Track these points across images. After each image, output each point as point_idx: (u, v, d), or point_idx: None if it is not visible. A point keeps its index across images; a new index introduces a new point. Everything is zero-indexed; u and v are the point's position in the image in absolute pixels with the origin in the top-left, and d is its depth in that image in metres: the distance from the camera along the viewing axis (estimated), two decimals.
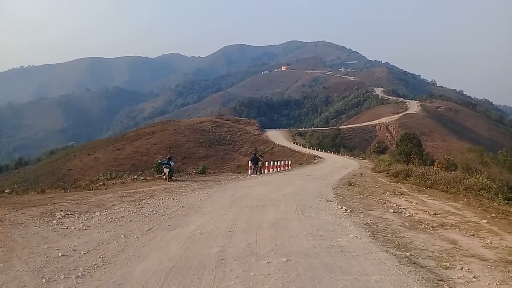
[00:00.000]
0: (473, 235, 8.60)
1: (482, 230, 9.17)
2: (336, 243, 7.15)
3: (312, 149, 70.48)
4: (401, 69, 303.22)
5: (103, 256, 5.93)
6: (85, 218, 8.61)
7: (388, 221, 9.81)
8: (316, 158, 49.26)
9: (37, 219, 8.33)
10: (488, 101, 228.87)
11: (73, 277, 5.03)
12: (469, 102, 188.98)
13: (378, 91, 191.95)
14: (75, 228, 7.65)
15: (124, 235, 7.19)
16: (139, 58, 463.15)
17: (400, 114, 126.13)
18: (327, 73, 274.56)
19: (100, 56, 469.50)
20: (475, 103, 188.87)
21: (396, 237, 8.12)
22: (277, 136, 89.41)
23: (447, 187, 17.06)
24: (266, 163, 28.53)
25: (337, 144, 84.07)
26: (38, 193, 12.97)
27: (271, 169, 28.14)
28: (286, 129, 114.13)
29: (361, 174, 25.40)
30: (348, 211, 10.77)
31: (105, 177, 18.42)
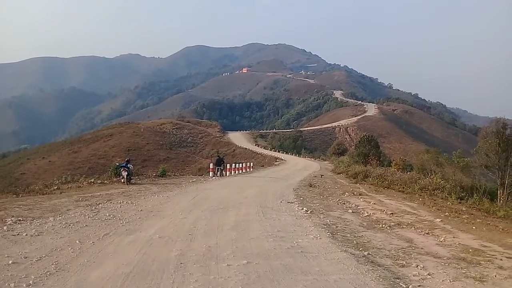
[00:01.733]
0: (428, 233, 8.90)
1: (436, 228, 9.50)
2: (296, 244, 7.19)
3: (273, 151, 71.01)
4: (359, 73, 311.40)
5: (56, 262, 5.69)
6: (38, 224, 8.25)
7: (347, 221, 9.99)
8: (277, 160, 49.64)
9: None
10: (442, 104, 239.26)
11: (24, 285, 4.79)
12: (424, 104, 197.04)
13: (338, 94, 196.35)
14: (26, 235, 7.31)
15: (79, 241, 6.93)
16: (97, 58, 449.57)
17: (359, 117, 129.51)
18: (288, 76, 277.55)
19: (55, 56, 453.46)
20: (429, 106, 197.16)
21: (355, 236, 8.27)
22: (238, 138, 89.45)
23: (404, 187, 17.63)
24: (228, 165, 28.45)
25: (298, 146, 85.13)
26: None
27: (233, 171, 28.10)
28: (247, 131, 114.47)
29: (321, 175, 25.80)
30: (308, 212, 10.89)
31: (60, 181, 17.79)
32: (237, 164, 31.03)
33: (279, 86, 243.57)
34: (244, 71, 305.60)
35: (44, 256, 5.99)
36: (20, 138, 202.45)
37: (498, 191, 17.48)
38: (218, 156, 27.76)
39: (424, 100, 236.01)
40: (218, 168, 25.29)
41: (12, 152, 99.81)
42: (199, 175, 27.80)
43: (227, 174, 26.63)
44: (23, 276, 5.09)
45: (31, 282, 4.90)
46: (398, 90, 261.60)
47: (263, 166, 41.45)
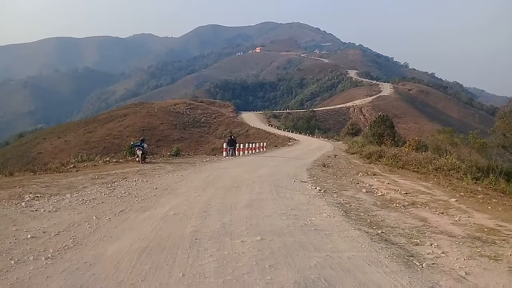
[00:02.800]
0: (442, 213, 8.84)
1: (451, 208, 9.44)
2: (309, 222, 7.22)
3: (287, 131, 70.81)
4: (374, 52, 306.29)
5: (73, 237, 5.81)
6: (55, 200, 8.42)
7: (361, 201, 9.98)
8: (291, 140, 49.54)
9: (5, 201, 8.09)
10: (458, 83, 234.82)
11: (43, 258, 4.91)
12: (440, 84, 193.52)
13: (352, 73, 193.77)
14: (44, 210, 7.46)
15: (95, 217, 7.06)
16: (110, 38, 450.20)
17: (373, 97, 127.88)
18: (301, 55, 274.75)
19: (69, 36, 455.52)
20: (445, 86, 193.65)
21: (368, 215, 8.26)
22: (252, 119, 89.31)
23: (418, 168, 17.48)
24: (241, 145, 28.51)
25: (312, 126, 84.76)
26: (6, 176, 12.60)
27: (246, 151, 28.15)
28: (261, 112, 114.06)
29: (335, 155, 25.70)
30: (322, 191, 10.89)
31: (76, 159, 18.03)
32: (250, 144, 31.05)
33: (292, 66, 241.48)
34: (257, 50, 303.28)
35: (62, 231, 6.13)
36: (36, 118, 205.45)
37: None
38: (231, 136, 27.97)
39: (440, 79, 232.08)
40: (230, 148, 25.51)
41: (28, 132, 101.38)
42: (212, 155, 27.94)
43: (240, 154, 26.68)
44: (41, 250, 5.22)
45: (49, 255, 5.02)
46: (414, 69, 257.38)
47: (276, 146, 41.43)
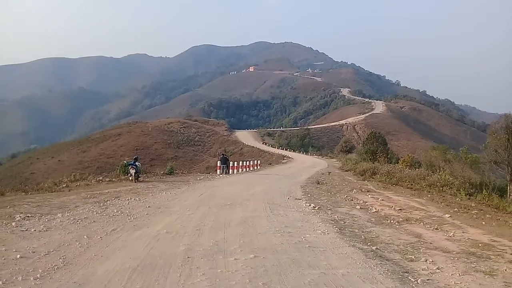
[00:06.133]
0: (436, 229, 8.84)
1: (445, 224, 9.43)
2: (304, 239, 7.17)
3: (281, 149, 70.88)
4: (366, 70, 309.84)
5: (64, 257, 5.71)
6: (46, 220, 8.29)
7: (355, 217, 9.94)
8: (285, 158, 49.56)
9: None
10: (450, 101, 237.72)
11: (32, 278, 4.80)
12: (432, 102, 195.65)
13: (345, 91, 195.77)
14: (35, 230, 7.34)
15: (87, 236, 6.95)
16: (104, 58, 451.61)
17: (366, 114, 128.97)
18: (294, 74, 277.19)
19: (64, 56, 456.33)
20: (437, 103, 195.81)
21: (363, 232, 8.23)
22: (246, 137, 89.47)
23: (412, 184, 17.52)
24: (235, 163, 28.50)
25: (306, 144, 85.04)
26: None
27: (240, 169, 28.10)
28: (255, 130, 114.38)
29: (329, 173, 25.72)
30: (316, 208, 10.86)
31: (68, 179, 17.84)
32: (244, 162, 31.03)
33: (286, 85, 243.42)
34: (251, 69, 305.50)
35: (52, 251, 6.02)
36: (29, 138, 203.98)
37: (508, 187, 17.28)
38: (223, 154, 28.29)
39: (432, 97, 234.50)
40: (223, 166, 25.60)
41: (21, 152, 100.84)
42: (206, 173, 27.86)
43: (234, 172, 26.63)
44: (31, 270, 5.11)
45: (38, 275, 4.91)
46: (406, 87, 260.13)
47: (270, 164, 41.38)
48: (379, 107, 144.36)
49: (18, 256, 5.68)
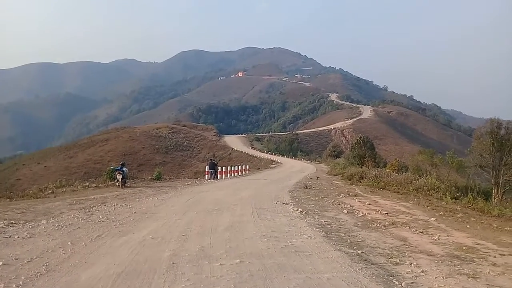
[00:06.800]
0: (422, 232, 8.91)
1: (430, 227, 9.52)
2: (290, 243, 7.17)
3: (269, 154, 71.04)
4: (354, 76, 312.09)
5: (47, 264, 5.63)
6: (30, 227, 8.18)
7: (342, 221, 9.98)
8: (273, 163, 49.62)
9: None
10: (437, 105, 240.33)
11: (14, 286, 4.74)
12: (419, 107, 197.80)
13: (333, 96, 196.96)
14: (18, 237, 7.23)
15: (71, 242, 6.87)
16: (92, 63, 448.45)
17: (354, 119, 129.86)
18: (283, 79, 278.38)
19: (51, 61, 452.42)
20: (424, 108, 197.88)
21: (349, 236, 8.26)
22: (235, 142, 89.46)
23: (399, 188, 17.65)
24: (224, 168, 28.45)
25: (294, 148, 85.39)
26: None
27: (228, 174, 28.04)
28: (243, 135, 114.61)
29: (317, 177, 25.79)
30: (303, 212, 10.86)
31: (54, 185, 17.62)
32: (233, 167, 30.99)
33: (274, 90, 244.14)
34: (239, 75, 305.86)
35: (35, 258, 5.93)
36: (16, 144, 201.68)
37: (493, 191, 17.54)
38: (211, 160, 28.22)
39: (419, 102, 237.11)
40: (211, 172, 25.51)
41: (7, 158, 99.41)
42: (195, 179, 27.76)
43: (222, 177, 26.57)
44: (13, 277, 5.03)
45: (21, 282, 4.85)
46: (394, 92, 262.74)
47: (259, 169, 41.38)
48: (367, 112, 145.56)
49: (0, 263, 5.59)
